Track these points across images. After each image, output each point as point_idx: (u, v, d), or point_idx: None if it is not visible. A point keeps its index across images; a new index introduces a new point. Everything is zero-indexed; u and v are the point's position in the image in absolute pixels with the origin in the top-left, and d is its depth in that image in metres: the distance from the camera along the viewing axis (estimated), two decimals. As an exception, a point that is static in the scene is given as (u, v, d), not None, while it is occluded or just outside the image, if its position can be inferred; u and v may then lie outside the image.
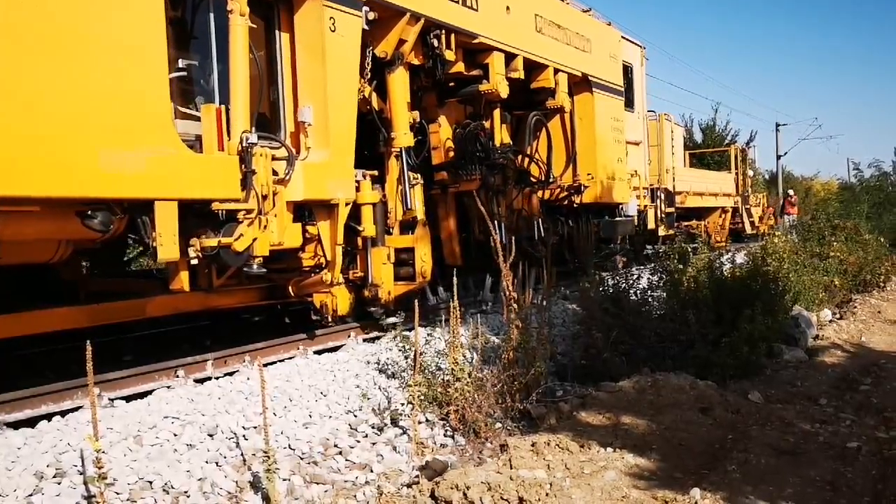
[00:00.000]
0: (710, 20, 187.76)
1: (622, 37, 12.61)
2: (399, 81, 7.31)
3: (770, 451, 4.17)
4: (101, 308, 6.12)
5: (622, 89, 12.09)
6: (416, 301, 5.40)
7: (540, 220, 9.96)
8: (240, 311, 7.89)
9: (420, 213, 7.44)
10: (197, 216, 5.28)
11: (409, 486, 3.81)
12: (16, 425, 4.43)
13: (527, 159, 10.10)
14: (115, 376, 5.20)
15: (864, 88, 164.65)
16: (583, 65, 10.61)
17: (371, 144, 7.51)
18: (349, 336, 7.14)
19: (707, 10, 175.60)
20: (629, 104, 13.02)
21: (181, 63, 5.47)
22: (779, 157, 42.66)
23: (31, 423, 4.49)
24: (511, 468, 3.74)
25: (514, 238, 8.95)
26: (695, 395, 5.05)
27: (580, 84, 10.79)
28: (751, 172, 25.62)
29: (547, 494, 3.41)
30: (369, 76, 6.98)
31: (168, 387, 5.28)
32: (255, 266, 5.56)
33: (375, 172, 7.04)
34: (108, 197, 4.73)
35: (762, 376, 5.94)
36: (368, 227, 6.74)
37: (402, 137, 7.34)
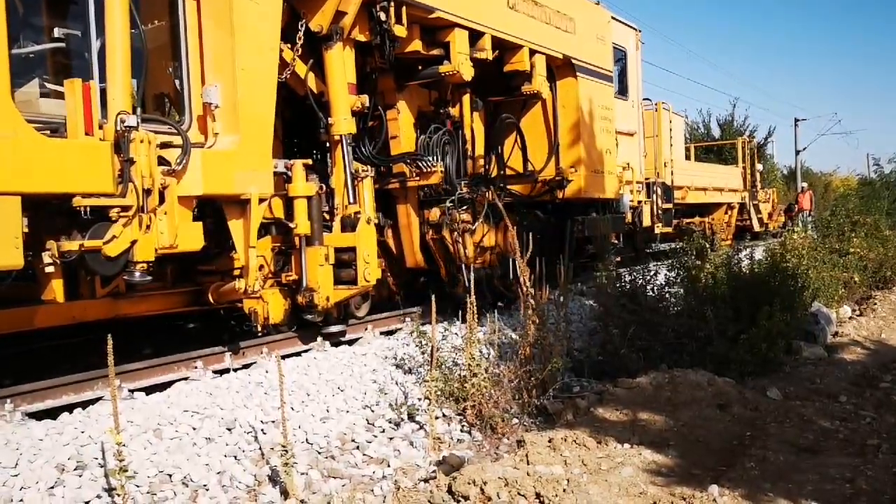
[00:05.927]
0: (729, 15, 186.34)
1: (613, 17, 11.52)
2: (337, 60, 6.42)
3: (789, 448, 4.15)
4: None
5: (612, 74, 11.01)
6: (432, 295, 5.38)
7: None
8: (172, 316, 6.81)
9: (369, 209, 6.65)
10: (64, 215, 4.46)
11: (426, 480, 3.84)
12: (38, 416, 4.49)
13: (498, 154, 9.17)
14: (135, 367, 5.25)
15: (885, 83, 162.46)
16: (565, 46, 9.43)
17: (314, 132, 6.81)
18: (366, 329, 7.12)
19: (726, 5, 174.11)
20: (622, 91, 12.05)
21: (57, 33, 4.77)
22: (798, 153, 42.29)
23: (52, 414, 4.55)
24: (528, 464, 3.74)
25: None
26: (712, 391, 5.04)
27: (562, 68, 9.64)
28: (760, 166, 24.38)
29: (564, 490, 3.41)
30: (300, 52, 6.26)
31: (187, 378, 5.33)
32: (137, 273, 4.71)
33: (310, 161, 6.35)
34: None
35: (781, 373, 5.91)
36: (302, 224, 5.99)
37: (342, 123, 6.45)
